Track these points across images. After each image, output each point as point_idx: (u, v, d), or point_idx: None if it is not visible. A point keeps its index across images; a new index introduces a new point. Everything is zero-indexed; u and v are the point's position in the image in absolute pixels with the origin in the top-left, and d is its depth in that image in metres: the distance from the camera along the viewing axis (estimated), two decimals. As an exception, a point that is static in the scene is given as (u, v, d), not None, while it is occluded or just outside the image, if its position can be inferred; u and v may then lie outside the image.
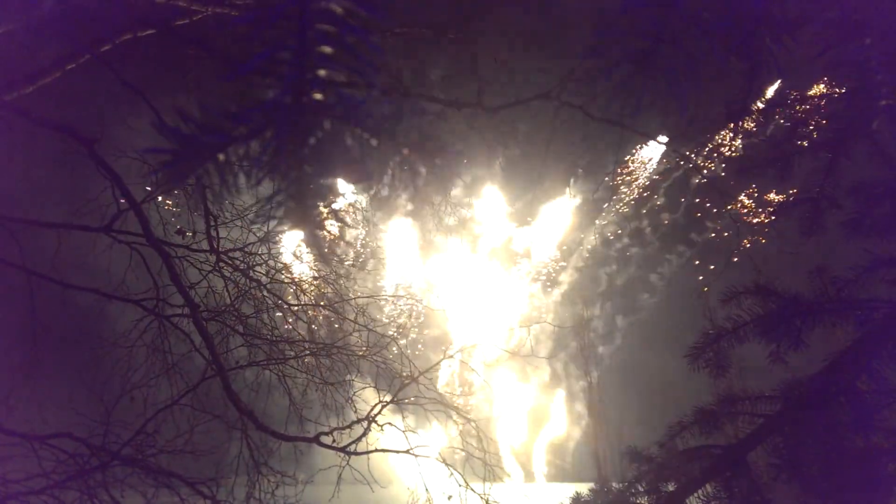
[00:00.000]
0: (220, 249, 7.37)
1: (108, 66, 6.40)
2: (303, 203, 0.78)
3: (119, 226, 6.75)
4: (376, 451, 7.70)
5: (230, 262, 7.51)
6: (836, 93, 2.68)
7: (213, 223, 7.15)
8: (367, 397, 8.29)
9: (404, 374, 8.09)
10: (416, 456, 7.82)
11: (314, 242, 0.83)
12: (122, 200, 6.47)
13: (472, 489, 7.72)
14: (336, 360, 8.16)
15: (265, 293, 7.86)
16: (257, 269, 7.74)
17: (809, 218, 3.29)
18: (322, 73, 0.75)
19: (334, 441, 7.53)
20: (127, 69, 6.58)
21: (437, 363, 8.21)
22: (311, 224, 0.79)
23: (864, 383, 3.21)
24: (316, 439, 7.42)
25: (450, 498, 7.82)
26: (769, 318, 3.30)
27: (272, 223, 0.78)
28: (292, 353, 8.06)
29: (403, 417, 8.07)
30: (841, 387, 3.23)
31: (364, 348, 8.36)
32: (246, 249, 7.70)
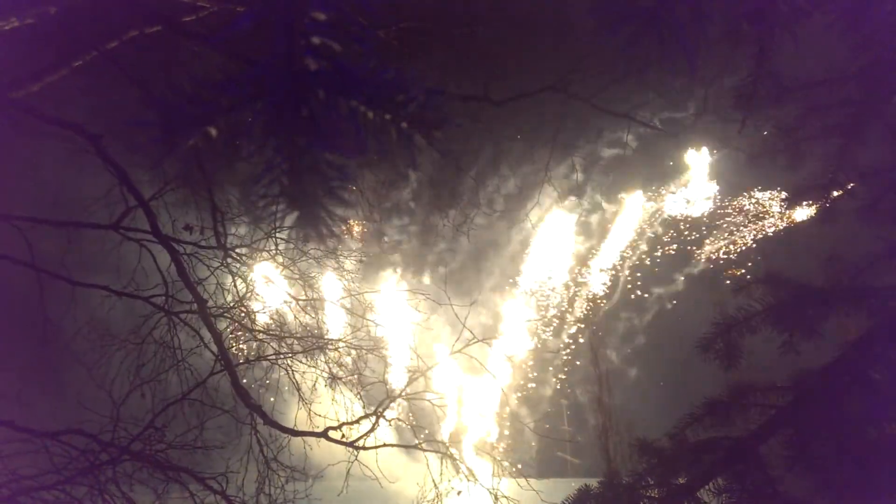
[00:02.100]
0: (227, 245, 7.38)
1: (115, 63, 6.40)
2: (298, 179, 0.74)
3: (128, 223, 6.76)
4: (385, 445, 7.69)
5: (238, 257, 7.52)
6: (850, 72, 2.63)
7: (220, 218, 7.15)
8: (376, 392, 8.29)
9: (412, 368, 8.08)
10: (425, 451, 7.80)
11: (313, 223, 0.80)
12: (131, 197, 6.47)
13: (480, 484, 7.70)
14: (344, 354, 8.16)
15: (272, 288, 7.87)
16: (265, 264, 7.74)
17: (822, 205, 3.23)
18: (315, 40, 0.72)
19: (343, 436, 7.52)
20: (133, 66, 6.58)
21: (443, 360, 8.18)
22: (308, 203, 0.76)
23: (878, 373, 3.16)
24: (325, 434, 7.42)
25: (459, 493, 7.80)
26: (781, 308, 3.25)
27: (266, 202, 0.75)
28: (300, 349, 8.06)
29: (411, 412, 8.06)
30: (854, 377, 3.19)
31: (372, 343, 8.35)
32: (253, 246, 7.70)
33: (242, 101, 0.71)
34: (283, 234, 7.50)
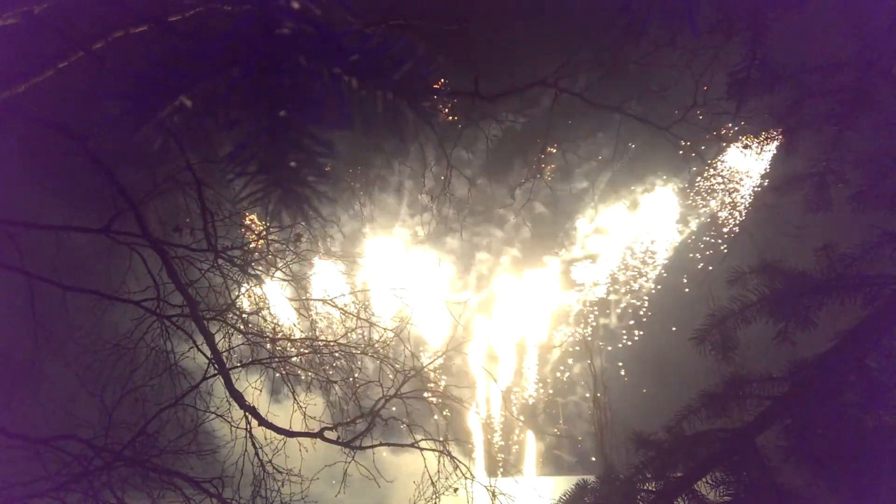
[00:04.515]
0: (218, 247, 7.31)
1: (102, 63, 6.33)
2: (277, 155, 0.70)
3: (118, 226, 6.69)
4: (381, 444, 7.65)
5: (229, 259, 7.46)
6: (844, 59, 2.61)
7: (210, 220, 7.08)
8: (371, 392, 8.24)
9: (407, 367, 8.04)
10: (421, 449, 7.77)
11: (296, 202, 0.76)
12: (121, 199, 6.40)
13: (478, 481, 7.67)
14: (339, 355, 8.11)
15: (265, 290, 7.82)
16: (256, 265, 7.69)
17: (815, 193, 3.22)
18: (295, 3, 0.68)
19: (339, 437, 7.48)
20: (120, 66, 6.51)
21: (440, 355, 8.15)
22: (289, 180, 0.72)
23: (873, 361, 3.15)
24: (320, 435, 7.37)
25: (456, 491, 7.78)
26: (776, 298, 3.24)
27: (245, 181, 0.71)
28: (294, 351, 8.01)
29: (407, 411, 8.02)
30: (850, 365, 3.18)
31: (366, 343, 8.31)
32: (244, 248, 7.64)
33: (217, 69, 0.67)
34: (276, 235, 7.47)
